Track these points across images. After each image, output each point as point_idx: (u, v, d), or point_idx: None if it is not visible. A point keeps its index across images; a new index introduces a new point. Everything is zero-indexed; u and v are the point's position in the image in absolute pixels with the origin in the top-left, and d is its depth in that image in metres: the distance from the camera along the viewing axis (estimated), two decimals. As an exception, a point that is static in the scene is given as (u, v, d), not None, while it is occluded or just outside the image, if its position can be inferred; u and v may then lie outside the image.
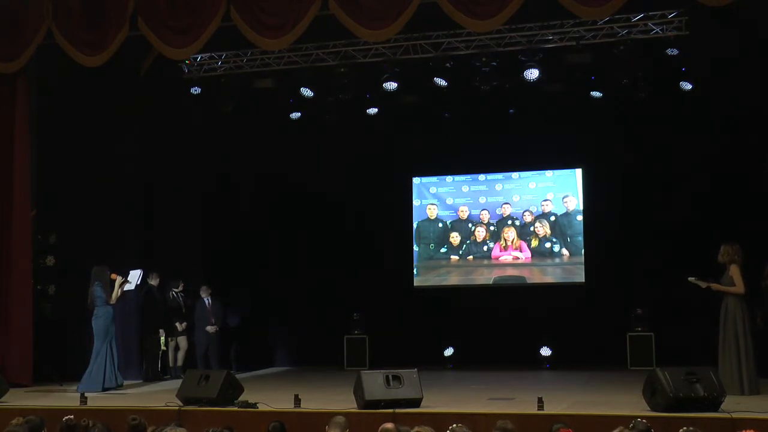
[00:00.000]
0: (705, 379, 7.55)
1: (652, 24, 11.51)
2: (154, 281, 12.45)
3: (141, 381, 11.86)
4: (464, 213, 14.46)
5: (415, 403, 8.13)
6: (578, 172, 14.02)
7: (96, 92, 11.62)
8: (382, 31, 10.02)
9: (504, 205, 14.27)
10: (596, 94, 12.88)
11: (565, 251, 13.96)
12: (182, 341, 12.92)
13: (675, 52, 11.54)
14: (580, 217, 13.94)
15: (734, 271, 9.18)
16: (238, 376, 9.99)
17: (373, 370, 8.74)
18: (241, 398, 8.55)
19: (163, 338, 12.83)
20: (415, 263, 14.62)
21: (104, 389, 10.29)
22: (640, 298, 12.99)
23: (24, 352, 10.93)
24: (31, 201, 11.36)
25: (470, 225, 14.41)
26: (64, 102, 11.67)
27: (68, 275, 11.68)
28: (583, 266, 13.86)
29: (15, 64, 10.88)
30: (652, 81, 12.11)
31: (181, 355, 12.91)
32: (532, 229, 14.13)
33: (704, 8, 9.30)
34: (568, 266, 14.00)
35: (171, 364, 12.86)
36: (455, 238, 14.45)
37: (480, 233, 14.33)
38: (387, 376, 8.19)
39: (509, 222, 14.23)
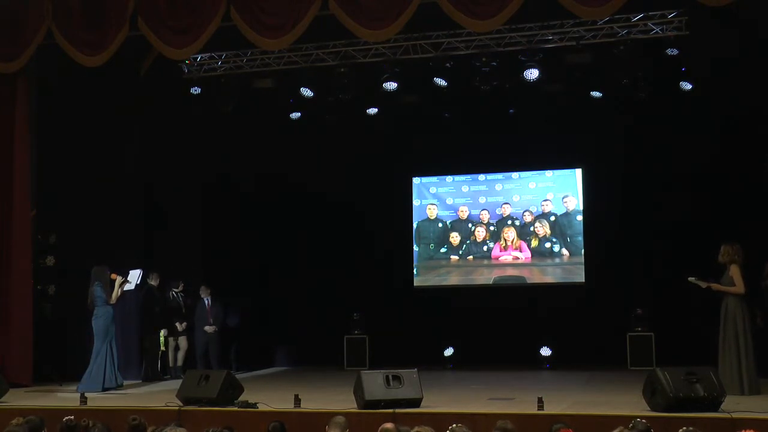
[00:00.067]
0: (705, 379, 7.55)
1: (652, 24, 11.51)
2: (154, 281, 12.45)
3: (141, 381, 11.85)
4: (464, 213, 14.46)
5: (415, 403, 8.13)
6: (578, 172, 14.02)
7: (96, 92, 11.62)
8: (382, 31, 10.02)
9: (504, 205, 14.27)
10: (596, 94, 12.88)
11: (565, 251, 13.96)
12: (182, 341, 12.93)
13: (675, 52, 11.54)
14: (580, 217, 13.94)
15: (734, 271, 9.18)
16: (238, 376, 10.00)
17: (373, 370, 8.74)
18: (241, 398, 8.55)
19: (162, 338, 12.84)
20: (415, 263, 14.62)
21: (104, 389, 10.29)
22: (640, 298, 12.99)
23: (24, 352, 10.93)
24: (31, 201, 11.36)
25: (470, 225, 14.41)
26: (64, 102, 11.67)
27: (68, 275, 11.68)
28: (583, 266, 13.86)
29: (15, 64, 10.89)
30: (652, 81, 12.11)
31: (181, 355, 12.92)
32: (532, 229, 14.13)
33: (704, 8, 9.30)
34: (568, 266, 13.99)
35: (171, 364, 12.87)
36: (455, 238, 14.45)
37: (480, 233, 14.33)
38: (387, 376, 8.19)
39: (509, 222, 14.23)
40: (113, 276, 10.73)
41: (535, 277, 14.11)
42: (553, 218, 14.05)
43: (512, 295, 13.96)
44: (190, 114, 13.15)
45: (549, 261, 14.06)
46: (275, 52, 12.18)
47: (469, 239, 14.39)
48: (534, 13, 10.91)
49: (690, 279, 9.54)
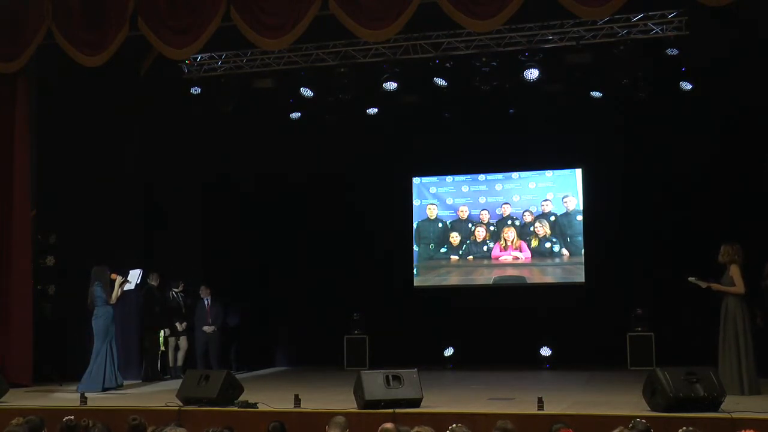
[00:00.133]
0: (705, 379, 7.55)
1: (652, 24, 11.51)
2: (154, 281, 12.46)
3: (141, 381, 11.85)
4: (464, 213, 14.46)
5: (415, 403, 8.13)
6: (578, 172, 14.02)
7: (96, 92, 11.62)
8: (382, 31, 10.02)
9: (504, 205, 14.27)
10: (596, 94, 12.88)
11: (565, 251, 13.96)
12: (182, 341, 12.93)
13: (675, 52, 11.54)
14: (580, 217, 13.94)
15: (734, 271, 9.18)
16: (238, 376, 10.01)
17: (373, 370, 8.74)
18: (241, 398, 8.54)
19: (162, 338, 12.84)
20: (415, 263, 14.62)
21: (104, 389, 10.29)
22: (640, 298, 12.99)
23: (24, 352, 10.93)
24: (31, 201, 11.36)
25: (470, 225, 14.41)
26: (64, 102, 11.67)
27: (68, 275, 11.68)
28: (583, 266, 13.86)
29: (15, 64, 10.88)
30: (652, 81, 12.11)
31: (181, 355, 12.92)
32: (532, 229, 14.13)
33: (704, 8, 9.30)
34: (568, 266, 13.99)
35: (171, 364, 12.87)
36: (455, 238, 14.45)
37: (480, 233, 14.33)
38: (387, 376, 8.19)
39: (509, 222, 14.23)
40: (113, 276, 10.73)
41: (535, 277, 14.11)
42: (553, 218, 14.05)
43: (512, 295, 13.95)
44: (190, 114, 13.15)
45: (549, 261, 14.06)
46: (275, 52, 12.18)
47: (469, 239, 14.39)
48: (534, 13, 10.91)
49: (690, 279, 9.53)
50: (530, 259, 14.11)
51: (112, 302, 10.68)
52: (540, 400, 7.79)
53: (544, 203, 14.11)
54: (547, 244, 14.04)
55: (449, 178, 14.60)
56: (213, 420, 7.74)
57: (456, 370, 13.37)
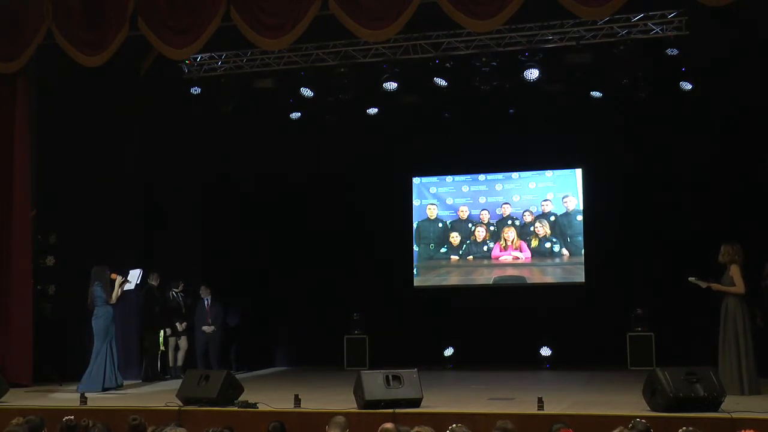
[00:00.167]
0: (705, 379, 7.55)
1: (652, 24, 11.51)
2: (154, 281, 12.46)
3: (141, 381, 11.85)
4: (464, 213, 14.46)
5: (415, 403, 8.13)
6: (578, 172, 14.02)
7: (96, 92, 11.62)
8: (382, 31, 10.02)
9: (504, 205, 14.27)
10: (596, 94, 12.88)
11: (565, 251, 13.96)
12: (182, 341, 12.93)
13: (675, 52, 11.54)
14: (580, 217, 13.94)
15: (734, 271, 9.18)
16: (238, 376, 10.01)
17: (373, 370, 8.74)
18: (241, 398, 8.54)
19: (162, 338, 12.84)
20: (415, 263, 14.62)
21: (104, 389, 10.28)
22: (640, 298, 12.99)
23: (24, 352, 10.92)
24: (31, 201, 11.35)
25: (470, 225, 14.41)
26: (64, 102, 11.67)
27: (68, 275, 11.67)
28: (583, 266, 13.86)
29: (15, 64, 10.88)
30: (652, 81, 12.11)
31: (181, 355, 12.92)
32: (532, 229, 14.13)
33: (704, 8, 9.29)
34: (568, 266, 14.00)
35: (171, 364, 12.87)
36: (455, 238, 14.45)
37: (480, 233, 14.33)
38: (387, 376, 8.19)
39: (509, 222, 14.23)
40: (113, 276, 10.73)
41: (535, 277, 14.11)
42: (553, 218, 14.05)
43: (512, 295, 13.96)
44: (190, 114, 13.15)
45: (549, 261, 14.06)
46: (275, 52, 12.18)
47: (469, 239, 14.39)
48: (534, 13, 10.91)
49: (690, 279, 9.54)
50: (530, 259, 14.11)
51: (112, 302, 10.68)
52: (540, 400, 7.79)
53: (544, 203, 14.11)
54: (547, 244, 14.04)
55: (449, 178, 14.60)
56: (213, 420, 7.75)
57: (456, 370, 13.38)
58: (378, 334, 13.70)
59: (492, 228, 14.31)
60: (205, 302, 13.16)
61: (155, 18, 10.33)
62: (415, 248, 14.63)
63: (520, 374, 12.16)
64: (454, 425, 5.46)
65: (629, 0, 9.21)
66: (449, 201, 14.57)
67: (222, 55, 12.69)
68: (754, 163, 12.13)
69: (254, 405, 8.30)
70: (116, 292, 10.71)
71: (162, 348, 12.90)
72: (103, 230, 11.67)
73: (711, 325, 9.47)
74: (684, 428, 5.61)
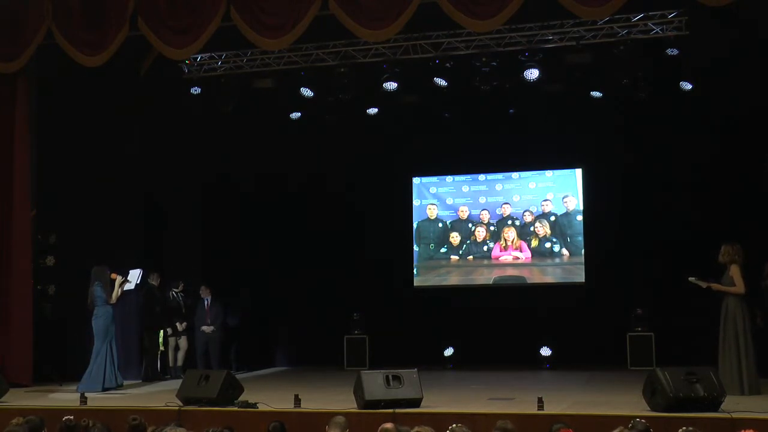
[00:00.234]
0: (705, 379, 7.55)
1: (652, 24, 11.51)
2: (154, 281, 12.46)
3: (141, 381, 11.85)
4: (464, 213, 14.46)
5: (415, 403, 8.13)
6: (578, 172, 14.02)
7: (96, 92, 11.62)
8: (382, 31, 10.02)
9: (504, 205, 14.27)
10: (596, 94, 12.88)
11: (565, 251, 13.96)
12: (182, 341, 12.94)
13: (675, 52, 11.53)
14: (580, 217, 13.94)
15: (734, 271, 9.18)
16: (238, 376, 10.01)
17: (373, 370, 8.74)
18: (241, 398, 8.54)
19: (161, 338, 12.84)
20: (415, 263, 14.62)
21: (104, 389, 10.28)
22: (640, 298, 12.99)
23: (24, 352, 10.92)
24: (31, 201, 11.35)
25: (470, 225, 14.41)
26: (64, 102, 11.67)
27: (68, 275, 11.67)
28: (583, 266, 13.86)
29: (15, 64, 10.88)
30: (652, 81, 12.10)
31: (181, 355, 12.93)
32: (532, 229, 14.13)
33: (704, 8, 9.29)
34: (568, 266, 14.00)
35: (171, 364, 12.88)
36: (455, 238, 14.45)
37: (480, 233, 14.33)
38: (387, 376, 8.19)
39: (509, 222, 14.23)
40: (113, 276, 10.73)
41: (535, 277, 14.11)
42: (553, 218, 14.05)
43: (512, 295, 13.95)
44: (190, 114, 13.14)
45: (549, 261, 14.06)
46: (275, 52, 12.18)
47: (469, 239, 14.39)
48: (534, 13, 10.91)
49: (690, 279, 9.54)
50: (530, 259, 14.11)
51: (112, 302, 10.68)
52: (540, 400, 7.79)
53: (544, 203, 14.11)
54: (547, 244, 14.04)
55: (449, 178, 14.60)
56: (213, 420, 7.75)
57: (456, 370, 13.38)
58: (378, 334, 13.70)
59: (492, 228, 14.31)
60: (205, 302, 13.16)
61: (155, 18, 10.33)
62: (415, 248, 14.63)
63: (520, 374, 12.16)
64: (454, 425, 5.46)
65: (629, 0, 9.21)
66: (449, 201, 14.57)
67: (222, 55, 12.69)
68: (754, 163, 12.14)
69: (254, 405, 8.30)
70: (116, 292, 10.71)
71: (161, 348, 12.89)
72: (103, 230, 11.67)
73: (711, 325, 9.47)
74: (684, 428, 5.61)
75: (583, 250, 13.86)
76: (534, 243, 14.10)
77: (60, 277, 11.85)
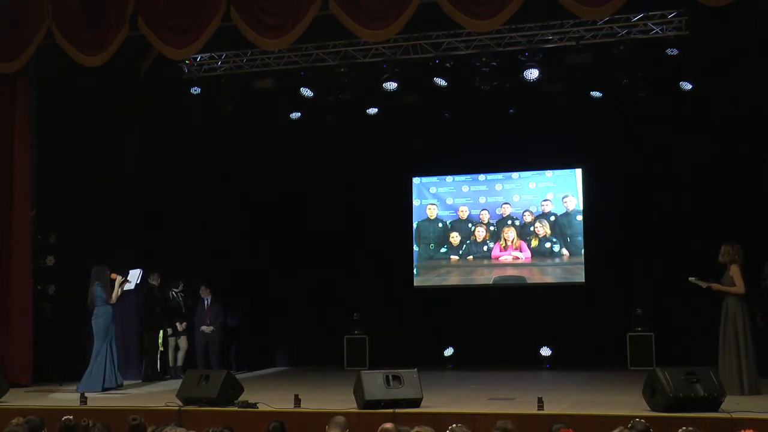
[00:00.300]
0: (705, 379, 7.55)
1: (652, 24, 11.51)
2: (155, 281, 12.46)
3: (141, 381, 11.85)
4: (464, 213, 14.46)
5: (415, 403, 8.13)
6: (578, 172, 14.02)
7: (96, 92, 11.62)
8: (382, 31, 10.02)
9: (504, 205, 14.27)
10: (596, 94, 12.88)
11: (565, 251, 13.96)
12: (182, 341, 12.94)
13: (675, 52, 11.53)
14: (580, 217, 13.94)
15: (734, 271, 9.18)
16: (238, 376, 10.01)
17: (373, 370, 8.74)
18: (241, 398, 8.55)
19: (161, 338, 12.84)
20: (415, 263, 14.62)
21: (104, 389, 10.29)
22: (640, 298, 12.99)
23: (24, 352, 10.92)
24: (31, 201, 11.35)
25: (470, 225, 14.41)
26: (64, 102, 11.66)
27: (68, 275, 11.67)
28: (583, 266, 13.86)
29: (15, 64, 10.88)
30: (652, 81, 12.10)
31: (181, 355, 12.93)
32: (532, 229, 14.13)
33: (704, 8, 9.29)
34: (568, 266, 13.99)
35: (171, 364, 12.88)
36: (455, 238, 14.45)
37: (480, 233, 14.33)
38: (387, 376, 8.19)
39: (509, 222, 14.23)
40: (113, 276, 10.73)
41: (535, 277, 14.11)
42: (553, 218, 14.05)
43: (512, 295, 13.95)
44: (190, 114, 13.15)
45: (549, 261, 14.06)
46: (275, 52, 12.17)
47: (469, 239, 14.39)
48: (534, 13, 10.90)
49: (690, 279, 9.54)
50: (530, 259, 14.11)
51: (112, 302, 10.69)
52: (540, 400, 7.79)
53: (544, 203, 14.11)
54: (547, 244, 14.04)
55: (449, 178, 14.60)
56: (213, 420, 7.75)
57: (456, 370, 13.38)
58: (378, 334, 13.70)
59: (492, 228, 14.31)
60: (205, 302, 13.16)
61: (155, 18, 10.33)
62: (415, 248, 14.63)
63: (520, 374, 12.16)
64: (454, 425, 5.46)
65: (629, 0, 9.21)
66: (449, 201, 14.57)
67: (222, 55, 12.68)
68: (754, 163, 12.14)
69: (254, 405, 8.30)
70: (116, 292, 10.72)
71: (161, 348, 12.89)
72: (103, 230, 11.67)
73: (711, 325, 9.47)
74: (684, 428, 5.61)
75: (583, 250, 13.86)
76: (534, 243, 14.10)
77: (60, 277, 11.85)
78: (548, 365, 13.26)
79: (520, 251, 14.13)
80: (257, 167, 14.29)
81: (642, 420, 5.91)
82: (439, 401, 8.56)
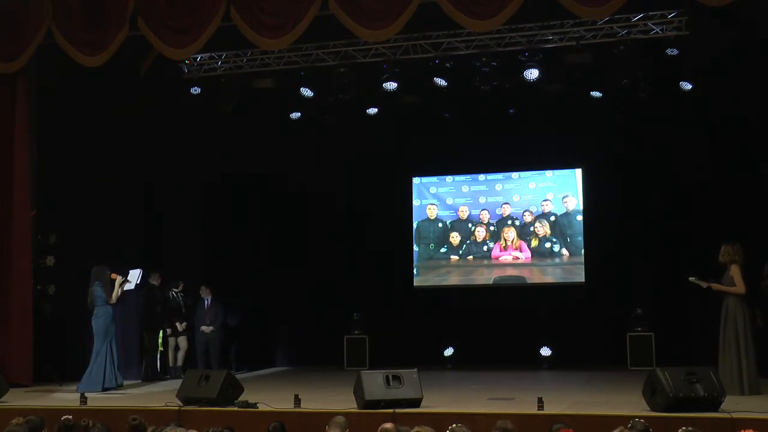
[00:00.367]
0: (705, 379, 7.55)
1: (652, 24, 11.50)
2: (155, 281, 12.46)
3: (141, 381, 11.86)
4: (464, 213, 14.46)
5: (415, 403, 8.13)
6: (578, 172, 14.02)
7: (96, 92, 11.61)
8: (382, 31, 10.02)
9: (504, 205, 14.27)
10: (596, 94, 12.88)
11: (565, 251, 13.96)
12: (182, 341, 12.94)
13: (675, 52, 11.52)
14: (580, 217, 13.94)
15: (735, 271, 9.18)
16: (238, 376, 10.01)
17: (373, 370, 8.74)
18: (241, 398, 8.55)
19: (161, 338, 12.84)
20: (415, 263, 14.62)
21: (104, 389, 10.29)
22: (640, 298, 13.00)
23: (24, 352, 10.92)
24: (31, 201, 11.35)
25: (470, 225, 14.41)
26: (64, 102, 11.66)
27: (68, 275, 11.67)
28: (583, 266, 13.86)
29: (15, 64, 10.88)
30: (652, 81, 12.10)
31: (181, 355, 12.93)
32: (532, 229, 14.13)
33: (704, 8, 9.30)
34: (568, 266, 14.00)
35: (171, 364, 12.88)
36: (455, 238, 14.45)
37: (480, 233, 14.33)
38: (387, 376, 8.19)
39: (509, 222, 14.23)
40: (113, 276, 10.74)
41: (535, 277, 14.11)
42: (553, 218, 14.05)
43: (512, 295, 13.96)
44: (190, 114, 13.14)
45: (549, 261, 14.07)
46: (275, 52, 12.17)
47: (469, 239, 14.39)
48: (534, 13, 10.90)
49: (690, 279, 9.54)
50: (530, 259, 14.12)
51: (112, 302, 10.69)
52: (540, 400, 7.79)
53: (544, 203, 14.11)
54: (547, 244, 14.04)
55: (449, 178, 14.60)
56: (213, 420, 7.75)
57: (456, 370, 13.38)
58: (378, 334, 13.70)
59: (492, 228, 14.31)
60: (205, 302, 13.16)
61: (155, 18, 10.33)
62: (415, 248, 14.63)
63: (520, 374, 12.16)
64: (454, 425, 5.46)
65: (629, 0, 9.21)
66: (449, 201, 14.58)
67: (222, 55, 12.68)
68: (754, 163, 12.13)
69: (254, 405, 8.30)
70: (116, 292, 10.72)
71: (161, 348, 12.89)
72: (103, 230, 11.68)
73: (711, 325, 9.47)
74: (684, 428, 5.61)
75: (583, 250, 13.86)
76: (534, 243, 14.10)
77: (60, 277, 11.84)
78: (548, 365, 13.26)
79: (520, 251, 14.13)
80: (257, 167, 14.28)
81: (642, 420, 5.91)
82: (439, 401, 8.56)
